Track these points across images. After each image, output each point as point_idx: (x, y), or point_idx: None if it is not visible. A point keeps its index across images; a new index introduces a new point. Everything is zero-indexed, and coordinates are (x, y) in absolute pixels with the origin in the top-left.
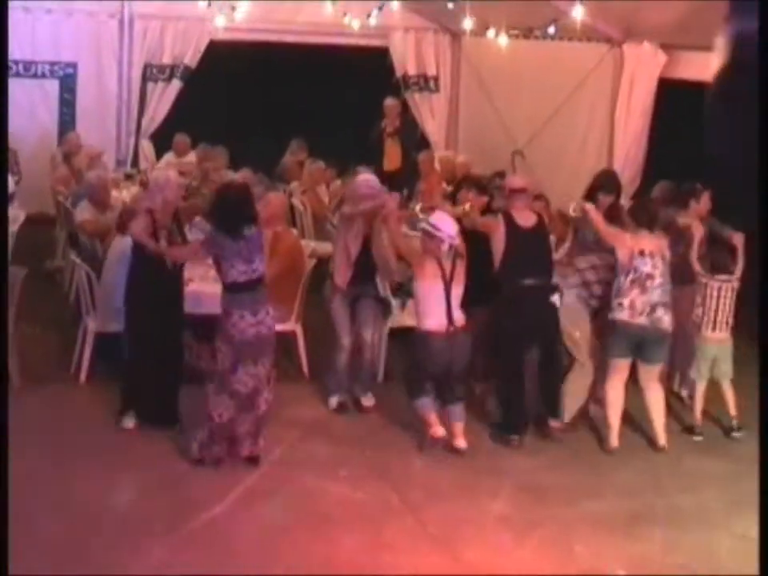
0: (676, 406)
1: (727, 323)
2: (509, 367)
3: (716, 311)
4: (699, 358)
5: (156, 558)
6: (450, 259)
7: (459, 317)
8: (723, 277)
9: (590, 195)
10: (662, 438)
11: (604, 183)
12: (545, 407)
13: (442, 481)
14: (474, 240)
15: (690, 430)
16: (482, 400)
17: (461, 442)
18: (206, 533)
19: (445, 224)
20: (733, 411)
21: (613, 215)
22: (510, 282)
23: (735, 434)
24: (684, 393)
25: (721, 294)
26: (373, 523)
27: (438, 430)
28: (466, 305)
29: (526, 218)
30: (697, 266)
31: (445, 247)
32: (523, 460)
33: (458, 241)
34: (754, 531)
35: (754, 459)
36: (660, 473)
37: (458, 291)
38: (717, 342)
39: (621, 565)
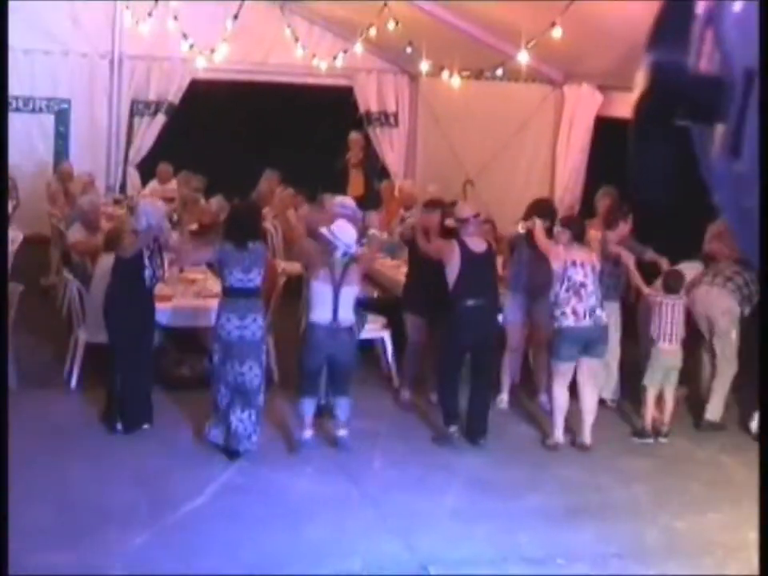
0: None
1: (678, 336)
2: (448, 373)
3: (670, 326)
4: (654, 367)
5: (137, 545)
6: (342, 265)
7: (346, 317)
8: (675, 296)
9: (527, 219)
10: (587, 437)
11: (539, 209)
12: (473, 423)
13: (399, 477)
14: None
15: (639, 434)
16: (410, 405)
17: (342, 432)
18: (183, 523)
19: (344, 234)
20: (667, 419)
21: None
22: (460, 302)
23: (662, 440)
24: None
25: (675, 311)
26: (335, 515)
27: (307, 433)
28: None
29: (477, 244)
30: (646, 290)
31: (338, 254)
32: (472, 457)
33: (353, 249)
34: (678, 523)
35: (677, 458)
36: (596, 469)
37: (348, 293)
38: (671, 353)
39: (560, 553)
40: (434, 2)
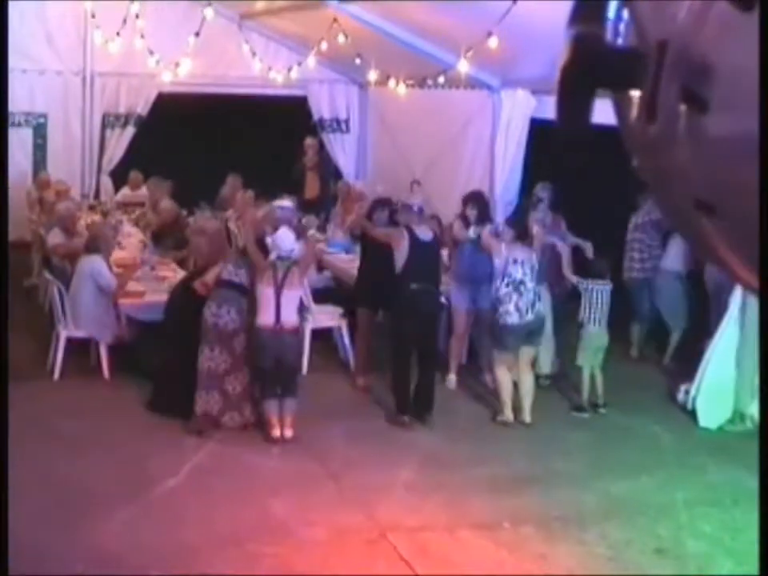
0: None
1: (605, 319)
2: (401, 359)
3: (598, 310)
4: (586, 349)
5: (120, 522)
6: (284, 269)
7: (288, 318)
8: (601, 282)
9: (463, 207)
10: (528, 416)
11: (472, 200)
12: (421, 400)
13: (357, 454)
14: (373, 249)
15: (578, 408)
16: (365, 389)
17: (288, 432)
18: (162, 502)
19: (283, 241)
20: (600, 392)
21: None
22: (408, 287)
23: (601, 410)
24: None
25: (601, 297)
26: (299, 490)
27: (276, 432)
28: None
29: (424, 233)
30: (573, 279)
31: (272, 257)
32: (424, 434)
33: (295, 254)
34: (613, 487)
35: (613, 429)
36: (538, 442)
37: (290, 295)
38: (598, 335)
39: (507, 518)
40: (381, 17)
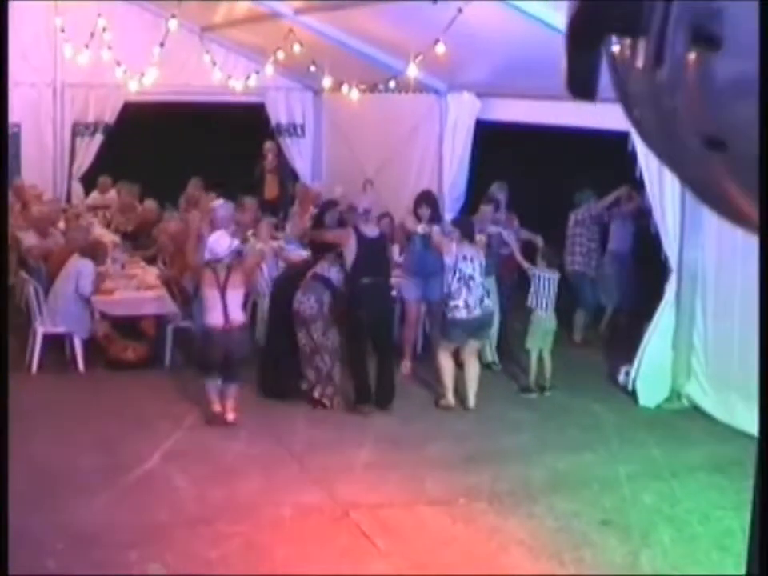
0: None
1: (552, 305)
2: (357, 349)
3: (546, 296)
4: (535, 333)
5: (96, 505)
6: (224, 270)
7: (236, 316)
8: (550, 270)
9: (415, 207)
10: (472, 402)
11: (424, 199)
12: (382, 389)
13: (319, 436)
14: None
15: (525, 390)
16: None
17: (230, 416)
18: (135, 485)
19: (218, 245)
20: (548, 374)
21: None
22: (358, 281)
23: (547, 393)
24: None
25: (550, 284)
26: (266, 471)
27: (216, 407)
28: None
29: (371, 230)
30: (525, 264)
31: (207, 258)
32: (381, 417)
33: (229, 257)
34: (559, 463)
35: (558, 409)
36: (487, 422)
37: (233, 295)
38: (547, 320)
39: (462, 494)
40: (334, 27)
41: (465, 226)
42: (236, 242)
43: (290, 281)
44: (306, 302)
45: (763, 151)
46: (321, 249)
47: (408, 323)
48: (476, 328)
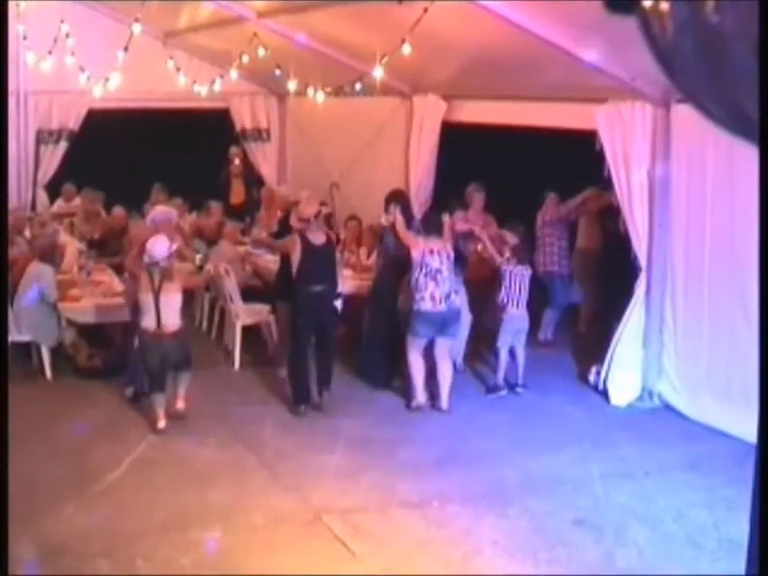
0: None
1: (524, 302)
2: (297, 354)
3: (518, 293)
4: (506, 330)
5: (66, 513)
6: (158, 274)
7: (169, 322)
8: (522, 267)
9: (386, 206)
10: (445, 403)
11: (394, 197)
12: (321, 382)
13: (289, 442)
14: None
15: (494, 389)
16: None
17: (180, 404)
18: (106, 492)
19: (155, 247)
20: (520, 372)
21: (409, 225)
22: (303, 288)
23: (519, 390)
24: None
25: (522, 280)
26: (237, 478)
27: (161, 423)
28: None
29: (317, 237)
30: (498, 260)
31: (147, 261)
32: (349, 421)
33: (164, 261)
34: (533, 464)
35: (529, 410)
36: (458, 425)
37: (167, 300)
38: (519, 317)
39: (434, 497)
40: (298, 30)
41: (432, 221)
42: (174, 246)
43: (385, 276)
44: None
45: (763, 151)
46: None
47: None
48: (442, 323)
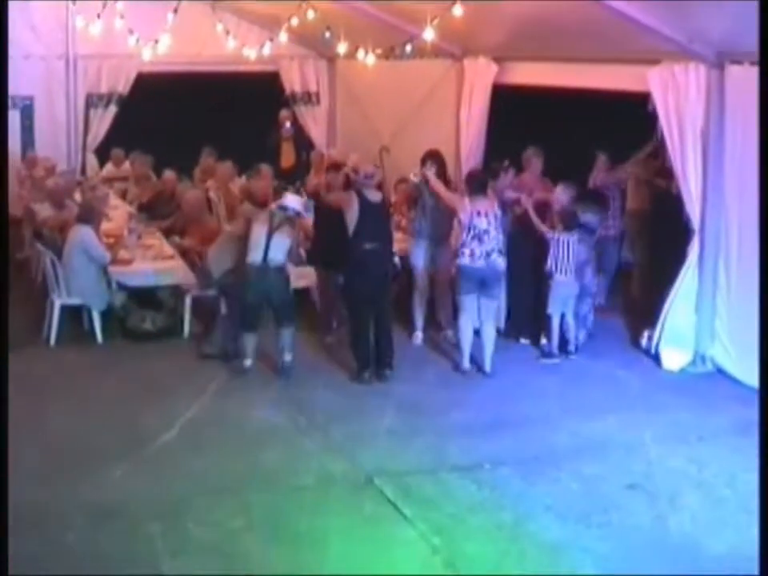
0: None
1: (572, 268)
2: (357, 319)
3: (566, 260)
4: (555, 297)
5: (117, 476)
6: (279, 219)
7: (276, 258)
8: (568, 233)
9: (422, 166)
10: (488, 366)
11: (429, 158)
12: (381, 359)
13: (340, 404)
14: (326, 213)
15: (548, 355)
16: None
17: (287, 357)
18: (156, 456)
19: (292, 198)
20: (572, 338)
21: (446, 185)
22: (360, 246)
23: (572, 356)
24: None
25: (569, 247)
26: (288, 441)
27: (248, 362)
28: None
29: (373, 195)
30: (542, 228)
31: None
32: (399, 384)
33: (292, 212)
34: (584, 428)
35: (580, 374)
36: (510, 388)
37: (278, 239)
38: (567, 284)
39: (485, 460)
40: None
41: (478, 180)
42: (306, 210)
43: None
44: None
45: (763, 152)
46: (324, 211)
47: (417, 291)
48: (481, 280)
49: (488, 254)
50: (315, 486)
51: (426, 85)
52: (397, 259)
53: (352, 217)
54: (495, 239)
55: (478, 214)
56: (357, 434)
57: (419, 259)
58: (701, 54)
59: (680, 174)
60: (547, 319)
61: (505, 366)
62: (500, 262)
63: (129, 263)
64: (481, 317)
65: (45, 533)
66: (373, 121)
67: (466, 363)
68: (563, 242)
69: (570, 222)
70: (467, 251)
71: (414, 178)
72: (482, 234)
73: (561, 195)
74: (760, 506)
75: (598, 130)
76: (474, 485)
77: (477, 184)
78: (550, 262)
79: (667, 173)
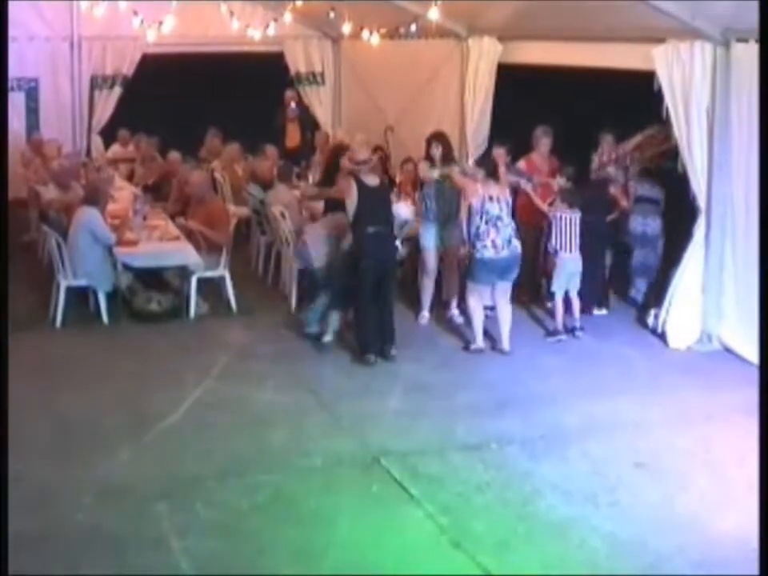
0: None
1: (576, 245)
2: (362, 300)
3: (569, 237)
4: (559, 274)
5: (125, 456)
6: None
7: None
8: (571, 211)
9: (427, 148)
10: (506, 344)
11: (435, 139)
12: (384, 338)
13: (348, 384)
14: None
15: (553, 333)
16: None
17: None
18: (162, 437)
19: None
20: (577, 315)
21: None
22: (362, 229)
23: (578, 333)
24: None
25: (572, 225)
26: (295, 421)
27: (328, 338)
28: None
29: (371, 179)
30: (544, 207)
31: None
32: (407, 365)
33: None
34: (592, 408)
35: (587, 353)
36: (516, 368)
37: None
38: (571, 260)
39: (493, 439)
40: None
41: (488, 165)
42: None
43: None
44: (652, 222)
45: (763, 152)
46: (333, 201)
47: (425, 272)
48: (503, 268)
49: (509, 242)
50: (323, 465)
51: (431, 65)
52: (398, 242)
53: (351, 203)
54: (510, 225)
55: (491, 199)
56: (364, 413)
57: (429, 241)
58: (706, 31)
59: (686, 153)
60: (551, 296)
61: (511, 344)
62: (519, 247)
63: (134, 244)
64: (495, 297)
65: (51, 512)
66: (378, 101)
67: (480, 341)
68: (566, 220)
69: (572, 200)
70: (489, 243)
71: (436, 176)
72: (495, 221)
73: (559, 177)
74: (760, 505)
75: (604, 109)
76: (480, 464)
77: (488, 169)
78: (554, 239)
79: (669, 155)
